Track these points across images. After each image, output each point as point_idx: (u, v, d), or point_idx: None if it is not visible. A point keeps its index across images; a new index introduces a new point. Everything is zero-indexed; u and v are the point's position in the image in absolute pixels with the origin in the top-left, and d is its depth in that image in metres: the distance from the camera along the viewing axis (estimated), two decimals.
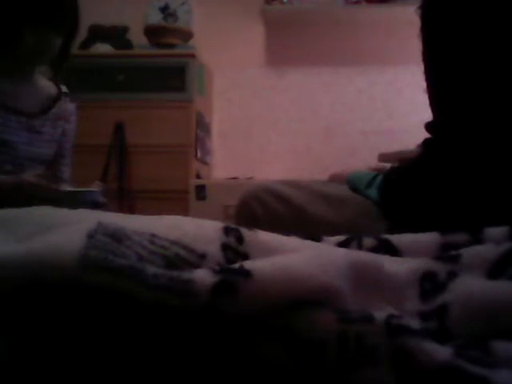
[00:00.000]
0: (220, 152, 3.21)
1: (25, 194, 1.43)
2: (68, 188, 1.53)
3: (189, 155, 2.74)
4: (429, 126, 0.85)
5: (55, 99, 1.73)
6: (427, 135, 0.86)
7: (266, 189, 0.98)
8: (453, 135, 0.80)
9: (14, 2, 1.47)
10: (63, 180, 1.75)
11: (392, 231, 0.63)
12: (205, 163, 2.97)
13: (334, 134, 3.14)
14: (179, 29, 2.96)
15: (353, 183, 1.01)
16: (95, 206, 1.51)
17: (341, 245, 0.56)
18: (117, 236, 0.44)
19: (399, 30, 2.97)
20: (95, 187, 1.58)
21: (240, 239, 0.49)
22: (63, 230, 0.44)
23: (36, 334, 0.40)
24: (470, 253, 0.49)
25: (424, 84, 0.86)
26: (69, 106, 1.77)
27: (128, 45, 3.00)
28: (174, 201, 2.65)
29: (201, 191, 2.59)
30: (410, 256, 0.53)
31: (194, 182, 2.65)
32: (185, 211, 2.52)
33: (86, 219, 0.47)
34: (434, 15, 0.82)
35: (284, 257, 0.45)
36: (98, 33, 2.96)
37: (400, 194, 0.89)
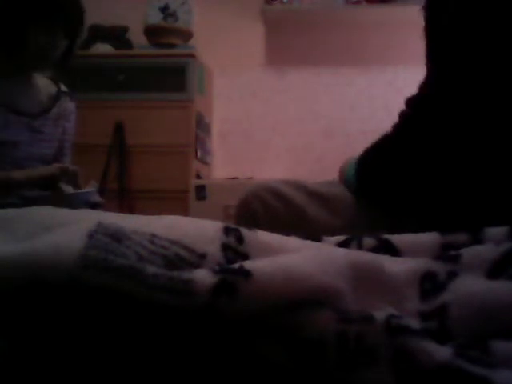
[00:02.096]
0: (220, 152, 3.21)
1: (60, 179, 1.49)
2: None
3: (189, 155, 2.73)
4: (410, 101, 0.84)
5: (55, 99, 1.73)
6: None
7: (267, 188, 0.98)
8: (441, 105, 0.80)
9: (18, 3, 1.48)
10: None
11: (392, 231, 0.63)
12: (205, 163, 2.97)
13: (334, 134, 3.14)
14: (179, 29, 2.95)
15: (345, 175, 1.00)
16: (92, 206, 1.52)
17: (341, 245, 0.56)
18: (117, 236, 0.44)
19: (399, 30, 2.97)
20: (91, 187, 1.58)
21: (240, 239, 0.49)
22: (63, 230, 0.44)
23: (36, 333, 0.40)
24: (470, 253, 0.49)
25: None
26: (68, 105, 1.77)
27: (128, 45, 3.00)
28: (174, 201, 2.65)
29: (201, 191, 2.59)
30: (410, 256, 0.53)
31: (194, 182, 2.65)
32: (185, 211, 2.52)
33: (86, 219, 0.47)
34: (438, 16, 0.82)
35: (284, 257, 0.45)
36: (98, 33, 2.95)
37: (376, 174, 0.89)
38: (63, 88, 1.78)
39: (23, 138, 1.60)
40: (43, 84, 1.72)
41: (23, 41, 1.49)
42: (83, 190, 1.55)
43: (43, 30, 1.50)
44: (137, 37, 3.00)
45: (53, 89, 1.74)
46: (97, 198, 1.56)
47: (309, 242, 0.54)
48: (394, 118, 0.91)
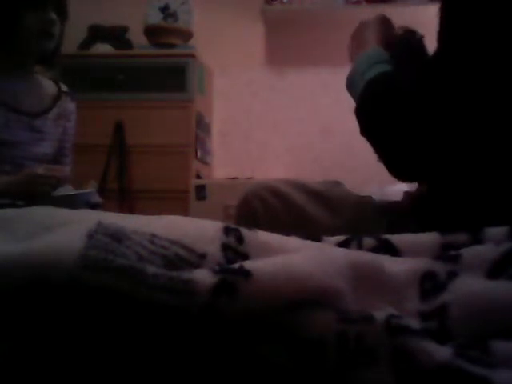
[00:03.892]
0: (220, 152, 3.21)
1: (37, 187, 1.46)
2: (63, 192, 1.53)
3: (189, 155, 2.73)
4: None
5: (56, 98, 1.73)
6: None
7: (267, 187, 0.98)
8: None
9: None
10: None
11: (391, 231, 0.63)
12: (205, 163, 2.97)
13: (334, 134, 3.14)
14: (179, 29, 2.95)
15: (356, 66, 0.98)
16: (92, 206, 1.52)
17: (341, 245, 0.56)
18: (117, 236, 0.44)
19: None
20: (90, 187, 1.58)
21: (240, 239, 0.49)
22: (63, 230, 0.44)
23: (36, 333, 0.40)
24: (470, 253, 0.49)
25: None
26: (69, 105, 1.77)
27: (128, 45, 3.00)
28: (174, 201, 2.65)
29: (201, 191, 2.59)
30: (410, 256, 0.53)
31: (194, 182, 2.65)
32: (185, 211, 2.52)
33: (86, 219, 0.47)
34: None
35: (284, 257, 0.45)
36: (98, 33, 2.95)
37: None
38: (64, 88, 1.78)
39: (23, 137, 1.60)
40: (44, 84, 1.73)
41: (19, 22, 1.50)
42: (83, 191, 1.55)
43: (37, 8, 1.51)
44: (137, 37, 3.00)
45: (53, 89, 1.74)
46: (97, 199, 1.56)
47: (309, 242, 0.54)
48: None
